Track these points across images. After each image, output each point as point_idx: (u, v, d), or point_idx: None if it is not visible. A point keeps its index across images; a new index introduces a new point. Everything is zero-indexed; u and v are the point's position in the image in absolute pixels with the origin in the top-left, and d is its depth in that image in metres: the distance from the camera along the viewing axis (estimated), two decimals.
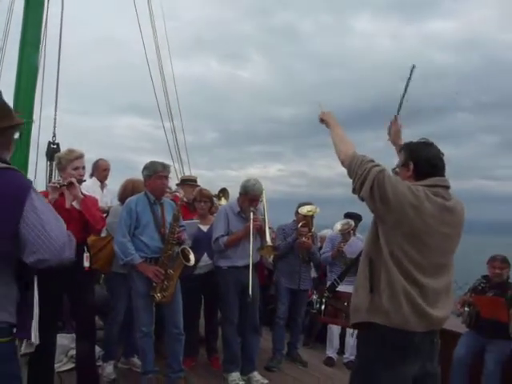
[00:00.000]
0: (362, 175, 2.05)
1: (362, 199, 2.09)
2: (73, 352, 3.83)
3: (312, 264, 4.98)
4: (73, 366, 3.81)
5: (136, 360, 4.14)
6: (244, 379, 4.05)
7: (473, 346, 4.20)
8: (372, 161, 2.12)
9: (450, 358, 4.18)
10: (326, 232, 5.74)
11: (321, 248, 5.26)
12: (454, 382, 4.15)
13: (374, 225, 2.12)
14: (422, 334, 2.01)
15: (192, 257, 3.68)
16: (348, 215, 5.12)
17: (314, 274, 5.46)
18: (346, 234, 4.92)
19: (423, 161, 2.11)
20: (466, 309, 4.32)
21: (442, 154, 2.15)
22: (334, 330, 4.93)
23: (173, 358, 3.70)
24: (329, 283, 4.28)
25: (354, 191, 2.13)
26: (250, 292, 3.83)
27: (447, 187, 2.10)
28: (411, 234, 1.99)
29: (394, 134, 2.57)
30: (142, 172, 3.73)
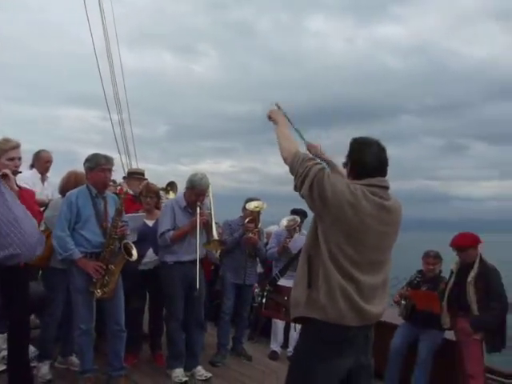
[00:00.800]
0: (303, 173, 2.09)
1: (303, 197, 2.13)
2: (4, 353, 3.63)
3: (258, 259, 5.02)
4: (4, 367, 3.61)
5: (74, 359, 4.00)
6: (187, 375, 4.03)
7: (408, 336, 4.43)
8: (313, 159, 2.18)
9: (387, 348, 4.39)
10: (273, 228, 5.81)
11: (267, 244, 5.32)
12: (390, 371, 4.36)
13: (314, 222, 2.16)
14: (357, 329, 2.06)
15: (134, 252, 3.60)
16: (294, 211, 5.21)
17: (260, 269, 5.51)
18: (291, 230, 5.00)
19: (359, 162, 2.15)
20: (403, 302, 4.53)
21: (384, 155, 2.18)
22: (279, 324, 5.01)
23: (113, 356, 3.61)
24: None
25: (295, 188, 2.17)
26: (198, 287, 3.81)
27: (386, 187, 2.14)
28: (348, 232, 2.03)
29: (315, 153, 2.55)
30: (84, 164, 3.60)
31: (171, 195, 4.78)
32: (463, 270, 4.09)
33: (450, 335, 4.30)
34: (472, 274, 3.98)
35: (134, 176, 4.99)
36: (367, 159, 2.13)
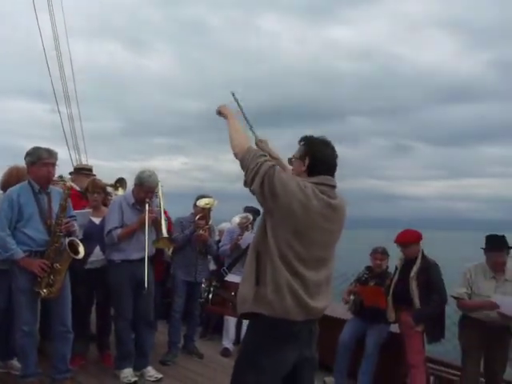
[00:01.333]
0: (254, 169, 2.09)
1: (253, 192, 2.14)
2: None
3: (210, 256, 5.00)
4: None
5: (15, 363, 3.82)
6: (137, 375, 3.96)
7: (356, 331, 4.56)
8: (265, 155, 2.18)
9: (337, 342, 4.51)
10: (225, 225, 5.80)
11: (219, 241, 5.31)
12: (339, 364, 4.48)
13: (263, 218, 2.17)
14: (302, 323, 2.11)
15: (81, 249, 3.49)
16: (247, 209, 5.23)
17: (213, 266, 5.50)
18: (244, 228, 5.02)
19: (318, 159, 2.18)
20: (352, 297, 4.67)
21: (337, 156, 2.24)
22: (230, 320, 5.00)
23: (58, 358, 3.50)
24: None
25: (245, 184, 2.17)
26: (146, 285, 3.75)
27: (333, 186, 2.20)
28: (297, 229, 2.07)
29: (263, 147, 2.55)
30: (25, 158, 3.44)
31: (120, 192, 4.67)
32: (407, 265, 4.25)
33: (395, 328, 4.46)
34: (415, 268, 4.15)
35: (82, 172, 4.84)
36: (324, 158, 2.19)
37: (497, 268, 3.87)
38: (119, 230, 3.86)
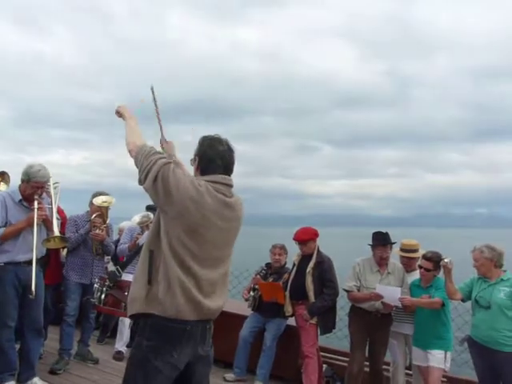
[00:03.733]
0: (147, 167, 2.06)
1: (146, 190, 2.09)
2: None
3: (108, 257, 4.78)
4: None
5: None
6: None
7: (255, 326, 4.70)
8: (159, 153, 2.16)
9: (237, 338, 4.59)
10: (126, 224, 5.59)
11: (119, 240, 5.10)
12: (238, 360, 4.59)
13: (157, 216, 2.13)
14: (195, 322, 2.08)
15: None
16: (149, 208, 5.09)
17: (111, 267, 5.26)
18: (144, 227, 4.87)
19: (208, 158, 2.18)
20: (251, 294, 4.78)
21: (232, 153, 2.23)
22: (126, 321, 4.77)
23: None
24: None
25: (139, 182, 2.12)
26: (33, 290, 3.46)
27: (229, 185, 2.20)
28: (191, 227, 2.05)
29: (168, 150, 2.59)
30: None
31: (2, 187, 4.23)
32: (303, 261, 4.47)
33: (292, 322, 4.66)
34: (311, 264, 4.38)
35: None
36: (214, 156, 2.18)
37: (381, 262, 4.22)
38: (2, 230, 3.52)
